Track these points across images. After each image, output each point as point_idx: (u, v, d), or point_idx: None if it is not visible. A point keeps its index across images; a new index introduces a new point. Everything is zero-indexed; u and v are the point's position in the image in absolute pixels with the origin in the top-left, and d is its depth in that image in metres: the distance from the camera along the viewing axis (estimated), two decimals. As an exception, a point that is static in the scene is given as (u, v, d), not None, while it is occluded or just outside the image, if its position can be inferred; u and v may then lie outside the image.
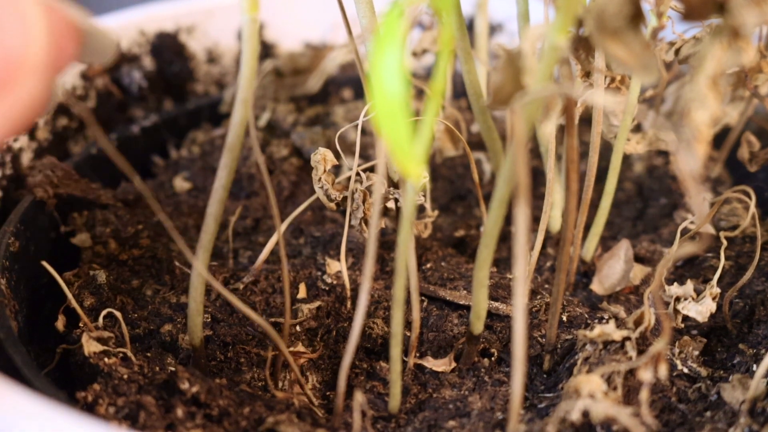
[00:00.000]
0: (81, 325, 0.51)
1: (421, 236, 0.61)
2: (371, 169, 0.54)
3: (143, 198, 0.69)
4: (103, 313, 0.52)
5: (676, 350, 0.52)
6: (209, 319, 0.54)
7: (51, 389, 0.44)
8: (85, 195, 0.64)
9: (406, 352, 0.53)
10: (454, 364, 0.53)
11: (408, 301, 0.51)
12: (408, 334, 0.54)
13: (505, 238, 0.64)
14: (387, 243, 0.63)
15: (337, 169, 0.69)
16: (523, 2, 0.55)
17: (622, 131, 0.56)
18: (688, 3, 0.36)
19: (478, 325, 0.50)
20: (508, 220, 0.58)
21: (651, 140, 0.60)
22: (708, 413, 0.48)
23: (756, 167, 0.60)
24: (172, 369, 0.50)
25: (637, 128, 0.62)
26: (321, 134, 0.74)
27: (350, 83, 0.86)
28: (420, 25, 0.87)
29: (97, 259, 0.60)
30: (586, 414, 0.43)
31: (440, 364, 0.53)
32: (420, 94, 0.78)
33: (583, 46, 0.42)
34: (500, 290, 0.57)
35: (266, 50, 0.88)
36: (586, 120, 0.71)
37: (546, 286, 0.59)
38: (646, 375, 0.43)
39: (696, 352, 0.53)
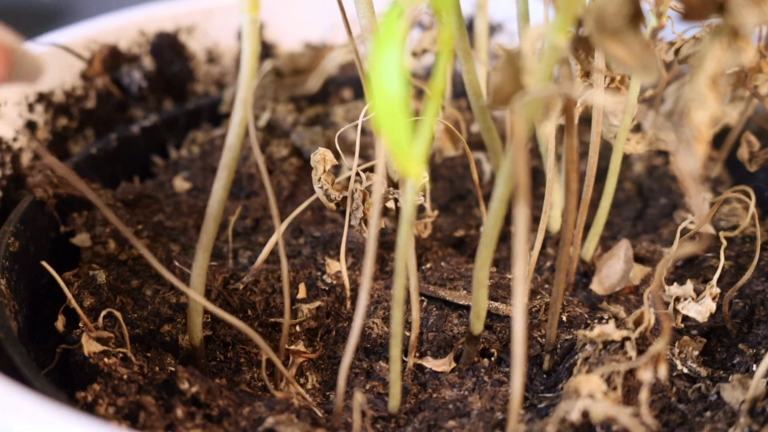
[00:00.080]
0: (81, 325, 0.51)
1: (421, 236, 0.61)
2: (371, 169, 0.54)
3: (143, 198, 0.69)
4: (103, 313, 0.52)
5: (676, 350, 0.52)
6: (209, 319, 0.54)
7: (51, 389, 0.44)
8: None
9: (405, 352, 0.53)
10: (453, 364, 0.53)
11: (408, 301, 0.51)
12: (408, 334, 0.54)
13: (505, 238, 0.64)
14: (387, 243, 0.63)
15: (336, 169, 0.69)
16: (522, 2, 0.55)
17: (621, 131, 0.56)
18: (688, 3, 0.36)
19: (477, 325, 0.50)
20: (508, 220, 0.58)
21: (651, 140, 0.60)
22: (708, 413, 0.48)
23: (756, 167, 0.60)
24: (172, 369, 0.50)
25: (637, 128, 0.62)
26: (321, 134, 0.74)
27: (350, 83, 0.86)
28: (420, 25, 0.87)
29: (97, 259, 0.60)
30: (585, 414, 0.43)
31: (440, 364, 0.53)
32: (420, 94, 0.78)
33: (582, 46, 0.42)
34: (500, 290, 0.57)
35: (266, 50, 0.88)
36: (586, 120, 0.71)
37: (546, 286, 0.59)
38: (645, 375, 0.43)
39: (696, 352, 0.53)
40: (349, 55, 0.52)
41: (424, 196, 0.58)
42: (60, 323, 0.53)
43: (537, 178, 0.71)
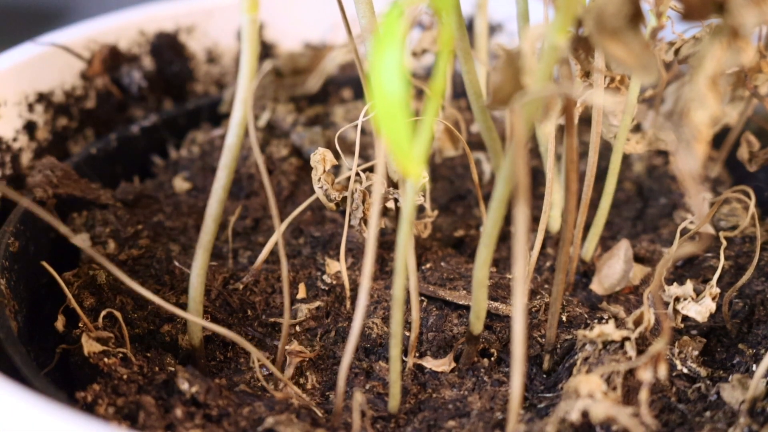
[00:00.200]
0: (81, 325, 0.51)
1: (421, 236, 0.61)
2: (371, 169, 0.54)
3: (143, 198, 0.69)
4: (103, 313, 0.52)
5: (676, 350, 0.52)
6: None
7: (50, 389, 0.44)
8: (84, 195, 0.64)
9: (405, 352, 0.53)
10: (453, 364, 0.53)
11: (407, 301, 0.51)
12: (407, 334, 0.54)
13: (505, 238, 0.64)
14: (387, 243, 0.63)
15: (336, 169, 0.69)
16: (522, 2, 0.55)
17: (621, 131, 0.56)
18: (688, 3, 0.36)
19: (477, 325, 0.50)
20: (508, 220, 0.58)
21: (651, 140, 0.60)
22: (708, 413, 0.48)
23: (755, 167, 0.60)
24: (172, 369, 0.50)
25: (637, 128, 0.62)
26: (321, 134, 0.74)
27: (350, 83, 0.86)
28: (420, 25, 0.87)
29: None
30: (585, 414, 0.43)
31: (440, 364, 0.53)
32: (420, 94, 0.78)
33: (582, 46, 0.42)
34: (500, 290, 0.57)
35: (266, 50, 0.88)
36: (586, 120, 0.71)
37: (546, 286, 0.59)
38: (645, 375, 0.43)
39: (695, 352, 0.53)
40: (349, 55, 0.52)
41: (424, 196, 0.58)
42: (60, 323, 0.53)
43: (537, 178, 0.71)
